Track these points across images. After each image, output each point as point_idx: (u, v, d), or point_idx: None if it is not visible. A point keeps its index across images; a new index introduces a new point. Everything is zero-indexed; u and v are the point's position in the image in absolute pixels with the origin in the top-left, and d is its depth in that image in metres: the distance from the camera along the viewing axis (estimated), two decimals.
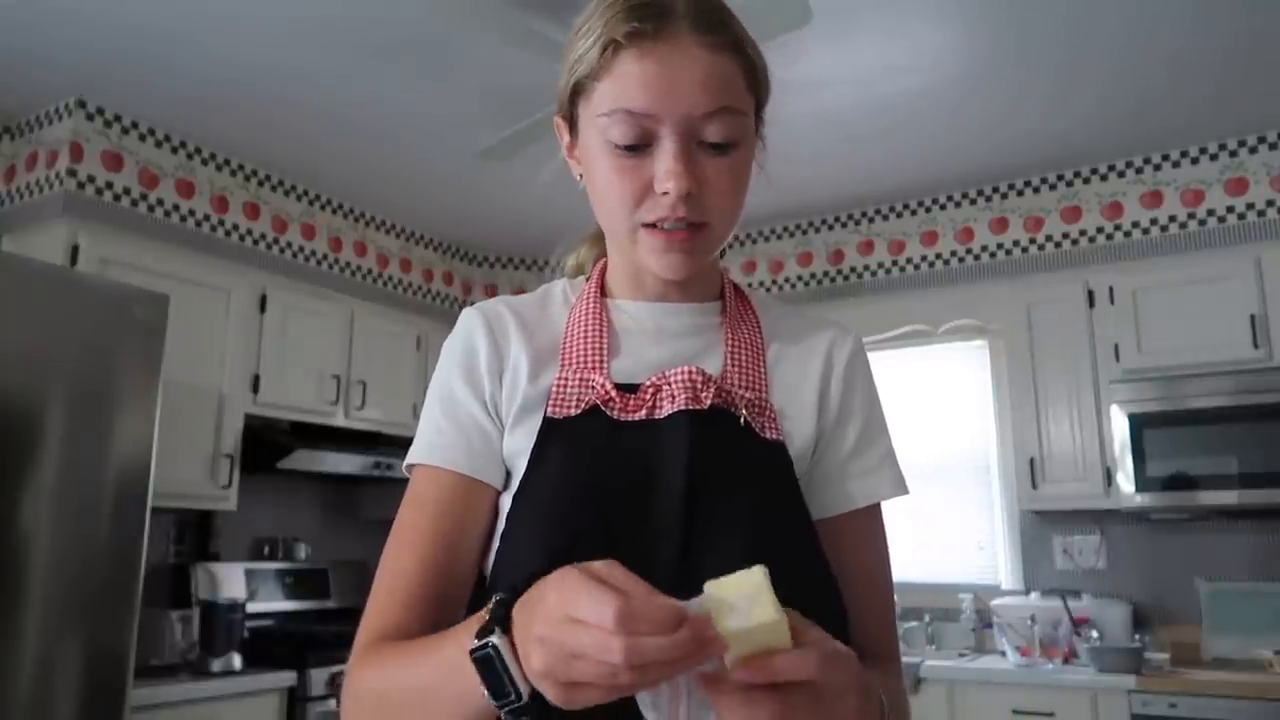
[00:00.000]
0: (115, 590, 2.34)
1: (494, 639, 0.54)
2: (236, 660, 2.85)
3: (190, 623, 3.00)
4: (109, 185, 2.99)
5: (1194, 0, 2.44)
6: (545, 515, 0.71)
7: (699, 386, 0.74)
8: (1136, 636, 3.13)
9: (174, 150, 3.19)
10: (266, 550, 3.56)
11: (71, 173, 2.90)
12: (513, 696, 0.54)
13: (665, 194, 0.70)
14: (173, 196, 3.16)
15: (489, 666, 0.54)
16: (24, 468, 2.19)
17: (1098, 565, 3.40)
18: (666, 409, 0.74)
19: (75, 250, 2.81)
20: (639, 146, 0.71)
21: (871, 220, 3.90)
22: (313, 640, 3.12)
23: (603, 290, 0.83)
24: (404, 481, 0.79)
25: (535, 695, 0.53)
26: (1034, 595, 3.36)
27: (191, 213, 3.21)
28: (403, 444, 4.10)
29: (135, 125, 3.08)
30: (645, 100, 0.69)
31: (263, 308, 3.33)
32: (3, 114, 3.07)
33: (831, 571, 0.74)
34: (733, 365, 0.78)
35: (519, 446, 0.76)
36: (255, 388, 3.26)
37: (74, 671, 2.24)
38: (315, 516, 3.82)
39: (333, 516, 3.89)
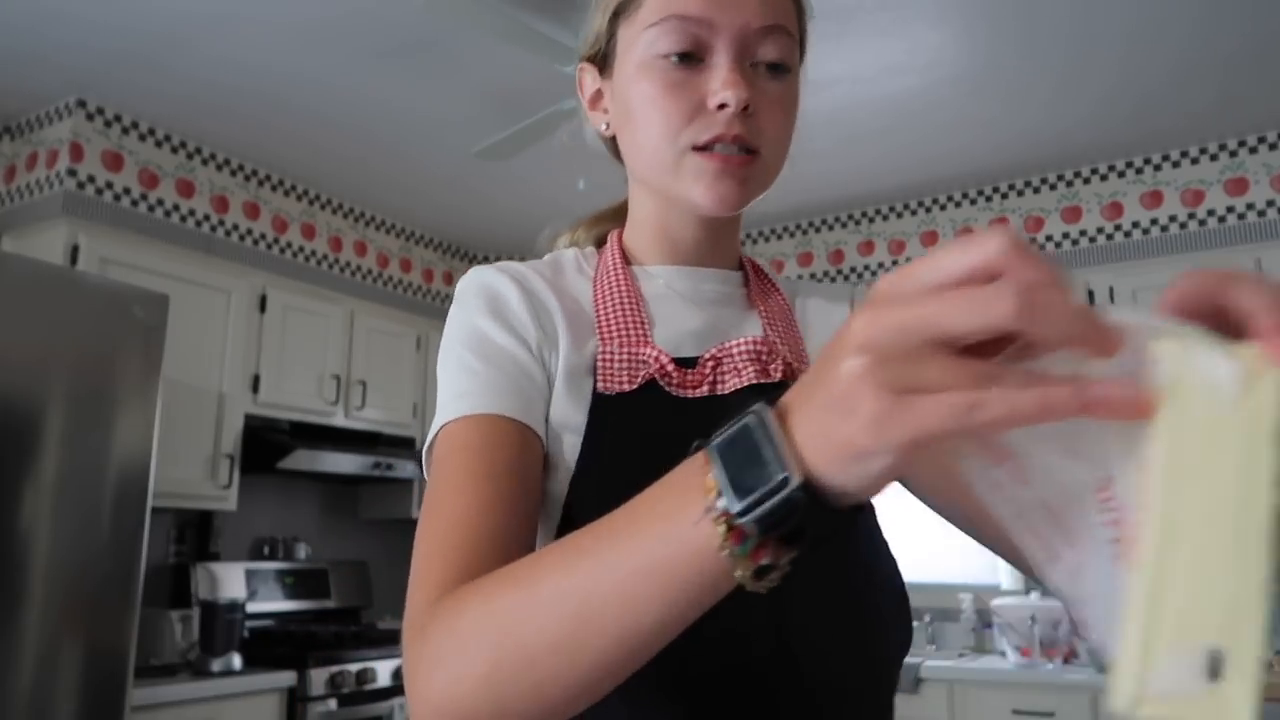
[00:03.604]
0: (115, 590, 2.34)
1: (754, 411, 0.39)
2: (236, 660, 2.85)
3: (190, 623, 3.00)
4: (109, 185, 2.99)
5: (1196, 1, 2.44)
6: (618, 504, 0.63)
7: (765, 358, 0.69)
8: None
9: (174, 150, 3.19)
10: (266, 550, 3.56)
11: (71, 173, 2.90)
12: (771, 485, 0.37)
13: (721, 107, 0.64)
14: (173, 196, 3.16)
15: (742, 443, 0.39)
16: (24, 468, 2.19)
17: None
18: (731, 384, 0.68)
19: (75, 250, 2.81)
20: (691, 57, 0.65)
21: (872, 220, 3.90)
22: (313, 640, 3.12)
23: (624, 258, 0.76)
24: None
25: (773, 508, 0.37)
26: (1034, 595, 3.35)
27: (191, 213, 3.21)
28: (403, 444, 4.10)
29: (135, 125, 3.09)
30: (700, 6, 0.65)
31: (263, 308, 3.33)
32: (3, 114, 3.07)
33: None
34: (774, 335, 0.72)
35: (567, 418, 0.66)
36: (255, 388, 3.26)
37: (74, 671, 2.24)
38: (315, 516, 3.82)
39: (333, 516, 3.89)
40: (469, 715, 0.47)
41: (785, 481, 0.37)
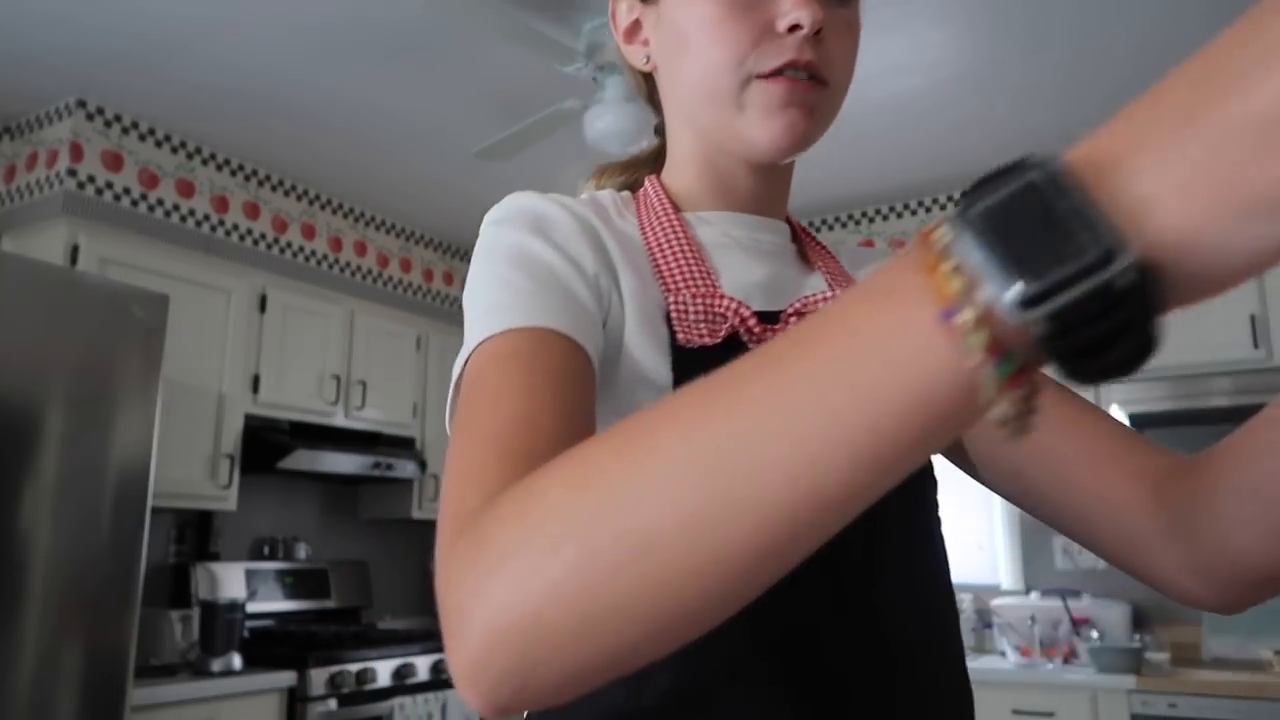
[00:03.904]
0: (115, 590, 2.34)
1: (1029, 164, 0.29)
2: (236, 660, 2.85)
3: (190, 623, 3.00)
4: (109, 185, 2.99)
5: (1199, 0, 2.44)
6: None
7: None
8: (1136, 636, 3.13)
9: (174, 150, 3.19)
10: (266, 550, 3.56)
11: (71, 173, 2.90)
12: (1085, 262, 0.26)
13: (793, 29, 0.58)
14: (173, 196, 3.16)
15: (1023, 207, 0.28)
16: (24, 468, 2.19)
17: (1098, 565, 3.40)
18: None
19: (75, 250, 2.81)
20: None
21: (872, 220, 3.90)
22: (313, 640, 3.12)
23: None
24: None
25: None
26: (1034, 595, 3.36)
27: (191, 213, 3.21)
28: (403, 444, 4.10)
29: (135, 125, 3.08)
30: None
31: (263, 308, 3.33)
32: (3, 114, 3.07)
33: None
34: (836, 292, 0.65)
35: (649, 368, 0.57)
36: (255, 388, 3.26)
37: (74, 671, 2.24)
38: (315, 516, 3.82)
39: (333, 516, 3.89)
40: (540, 630, 0.34)
41: (1108, 256, 0.26)
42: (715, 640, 0.48)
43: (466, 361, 0.52)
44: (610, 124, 2.46)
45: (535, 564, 0.34)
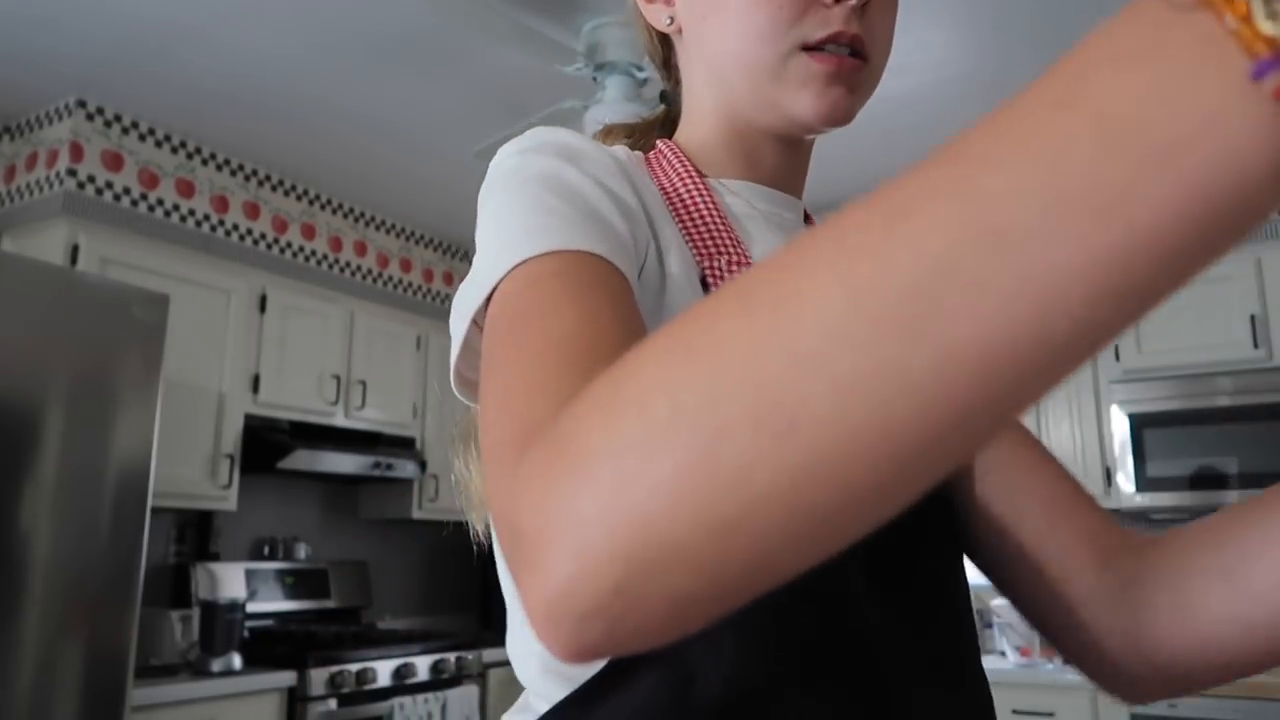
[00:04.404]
0: (115, 590, 2.34)
1: None
2: (236, 660, 2.85)
3: (190, 623, 3.00)
4: (109, 185, 2.99)
5: None
6: None
7: None
8: None
9: (174, 150, 3.19)
10: (266, 550, 3.56)
11: (71, 173, 2.90)
12: None
13: (839, 1, 0.56)
14: (173, 196, 3.16)
15: None
16: (24, 468, 2.19)
17: None
18: None
19: (75, 250, 2.81)
20: None
21: None
22: (313, 640, 3.12)
23: None
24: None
25: None
26: None
27: (191, 213, 3.21)
28: (403, 444, 4.10)
29: (135, 125, 3.08)
30: None
31: (263, 308, 3.33)
32: (3, 114, 3.07)
33: None
34: None
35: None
36: (255, 388, 3.26)
37: (74, 671, 2.24)
38: (315, 516, 3.82)
39: (333, 516, 3.89)
40: (647, 546, 0.26)
41: None
42: (776, 639, 0.45)
43: (490, 296, 0.45)
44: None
45: (640, 460, 0.27)
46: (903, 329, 0.24)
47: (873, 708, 0.50)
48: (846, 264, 0.25)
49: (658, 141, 0.65)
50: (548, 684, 0.53)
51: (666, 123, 0.70)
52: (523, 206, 0.48)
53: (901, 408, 0.24)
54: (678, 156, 0.62)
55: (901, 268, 0.24)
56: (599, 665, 0.50)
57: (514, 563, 0.30)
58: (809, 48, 0.56)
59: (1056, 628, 0.58)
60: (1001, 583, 0.60)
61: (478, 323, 0.47)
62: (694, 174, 0.61)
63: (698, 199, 0.59)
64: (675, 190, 0.59)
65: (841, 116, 0.58)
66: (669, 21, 0.63)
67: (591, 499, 0.27)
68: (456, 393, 0.53)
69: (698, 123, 0.64)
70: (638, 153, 0.63)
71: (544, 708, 0.53)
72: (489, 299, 0.45)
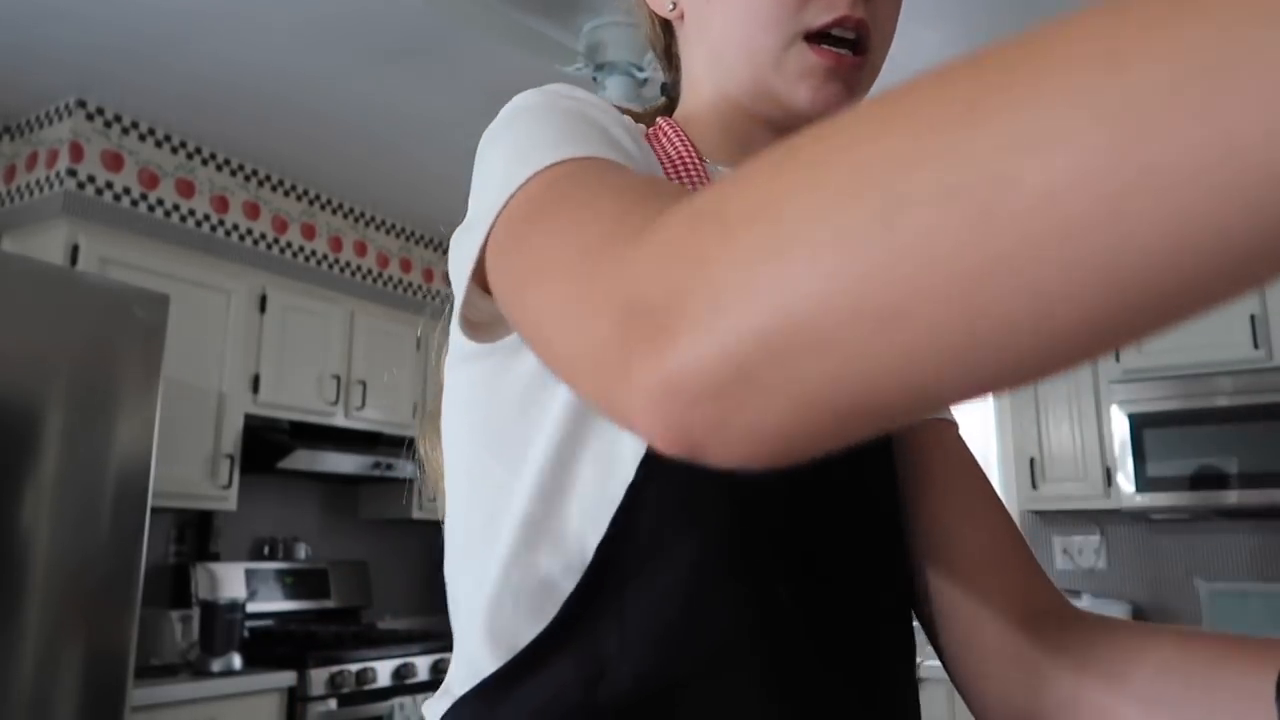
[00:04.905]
0: (115, 590, 2.34)
1: None
2: (236, 660, 2.85)
3: (190, 623, 3.00)
4: (109, 185, 3.00)
5: None
6: None
7: None
8: None
9: (174, 150, 3.19)
10: (266, 550, 3.56)
11: (71, 173, 2.90)
12: None
13: None
14: (173, 196, 3.16)
15: None
16: (24, 468, 2.19)
17: (1098, 565, 3.40)
18: None
19: (75, 250, 2.81)
20: None
21: None
22: (313, 640, 3.12)
23: None
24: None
25: None
26: None
27: (191, 213, 3.21)
28: (403, 444, 4.08)
29: (135, 125, 3.09)
30: None
31: (263, 308, 3.33)
32: (3, 114, 3.08)
33: None
34: None
35: None
36: (255, 388, 3.26)
37: (74, 671, 2.24)
38: (315, 516, 3.82)
39: (333, 516, 3.89)
40: (792, 326, 0.23)
41: None
42: (686, 633, 0.45)
43: (503, 207, 0.41)
44: None
45: (800, 226, 0.23)
46: (1190, 110, 0.18)
47: (784, 701, 0.50)
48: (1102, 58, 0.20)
49: (658, 119, 0.64)
50: (485, 653, 0.51)
51: (666, 112, 0.70)
52: (532, 129, 0.45)
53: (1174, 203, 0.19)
54: (677, 134, 0.62)
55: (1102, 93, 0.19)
56: (535, 632, 0.49)
57: (622, 341, 0.27)
58: (812, 35, 0.55)
59: (958, 669, 0.58)
60: (918, 607, 0.60)
61: (489, 243, 0.42)
62: (694, 153, 0.60)
63: (699, 179, 0.59)
64: (675, 166, 0.59)
65: (837, 108, 0.56)
66: (671, 7, 0.63)
67: (735, 267, 0.24)
68: (464, 334, 0.50)
69: (695, 107, 0.64)
70: (640, 125, 0.62)
71: (461, 691, 0.52)
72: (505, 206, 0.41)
